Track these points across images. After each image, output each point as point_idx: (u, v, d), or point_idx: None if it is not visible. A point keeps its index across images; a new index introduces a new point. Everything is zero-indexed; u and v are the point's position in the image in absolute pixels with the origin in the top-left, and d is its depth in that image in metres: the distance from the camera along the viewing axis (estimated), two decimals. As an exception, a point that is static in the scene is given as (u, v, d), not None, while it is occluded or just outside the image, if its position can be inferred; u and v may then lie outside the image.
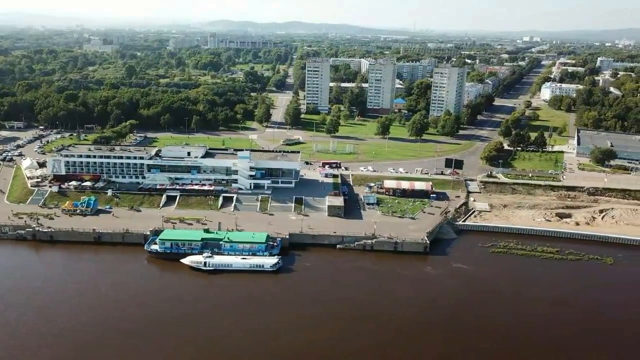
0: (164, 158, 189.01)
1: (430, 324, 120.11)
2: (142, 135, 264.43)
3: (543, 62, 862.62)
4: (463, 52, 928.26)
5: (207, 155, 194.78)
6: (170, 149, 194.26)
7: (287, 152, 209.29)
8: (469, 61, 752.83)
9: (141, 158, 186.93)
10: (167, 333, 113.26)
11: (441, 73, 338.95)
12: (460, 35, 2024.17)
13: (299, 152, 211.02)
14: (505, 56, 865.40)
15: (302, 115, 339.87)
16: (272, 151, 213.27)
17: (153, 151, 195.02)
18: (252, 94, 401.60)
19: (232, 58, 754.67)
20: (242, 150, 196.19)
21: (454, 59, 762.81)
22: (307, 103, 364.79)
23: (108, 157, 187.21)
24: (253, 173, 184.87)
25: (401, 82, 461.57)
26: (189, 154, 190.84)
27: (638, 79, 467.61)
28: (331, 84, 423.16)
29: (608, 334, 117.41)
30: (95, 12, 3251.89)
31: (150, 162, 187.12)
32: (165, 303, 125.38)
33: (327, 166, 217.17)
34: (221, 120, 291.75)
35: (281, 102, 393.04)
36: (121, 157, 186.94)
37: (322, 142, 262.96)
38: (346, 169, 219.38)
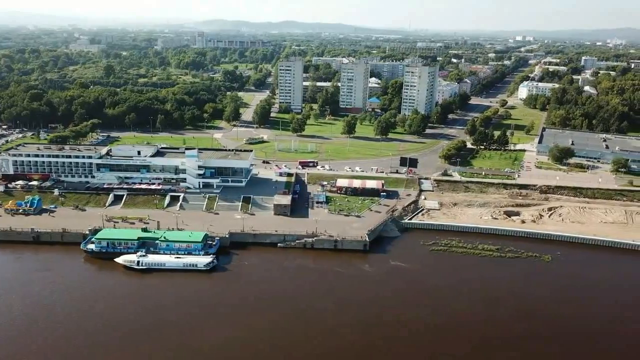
0: (113, 157, 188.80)
1: (353, 322, 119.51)
2: (106, 134, 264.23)
3: (530, 62, 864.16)
4: (450, 52, 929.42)
5: (158, 154, 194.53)
6: (120, 148, 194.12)
7: (240, 151, 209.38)
8: (455, 60, 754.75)
9: (90, 157, 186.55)
10: (92, 330, 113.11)
11: (412, 72, 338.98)
12: (453, 34, 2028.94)
13: (251, 151, 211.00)
14: (492, 55, 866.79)
15: (274, 114, 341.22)
16: (224, 150, 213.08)
17: (104, 150, 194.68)
18: (228, 93, 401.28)
19: (217, 57, 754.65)
20: (193, 149, 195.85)
21: (440, 59, 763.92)
22: (280, 102, 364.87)
23: (57, 156, 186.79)
24: (202, 172, 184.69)
25: (379, 81, 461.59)
26: (139, 153, 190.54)
27: (615, 78, 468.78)
28: (307, 83, 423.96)
29: (535, 332, 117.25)
30: (96, 12, 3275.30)
31: (99, 161, 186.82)
32: (93, 300, 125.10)
33: (301, 165, 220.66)
34: (188, 119, 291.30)
35: (258, 101, 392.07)
36: (69, 157, 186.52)
37: (285, 141, 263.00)
38: (303, 167, 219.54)
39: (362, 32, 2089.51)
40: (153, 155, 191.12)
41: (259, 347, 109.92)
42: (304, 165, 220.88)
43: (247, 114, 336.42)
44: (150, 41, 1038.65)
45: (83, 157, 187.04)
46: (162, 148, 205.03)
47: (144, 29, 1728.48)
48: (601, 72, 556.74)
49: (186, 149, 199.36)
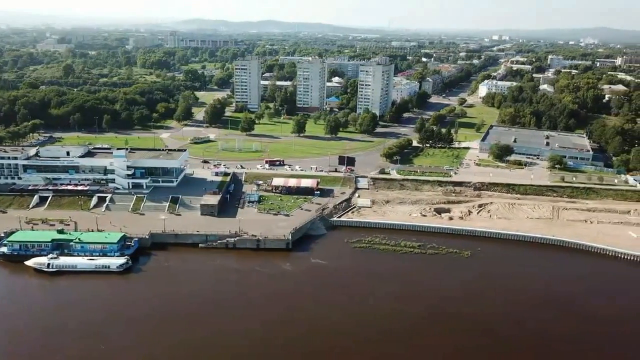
0: (40, 158, 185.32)
1: (268, 319, 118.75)
2: (48, 135, 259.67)
3: (501, 60, 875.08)
4: (422, 51, 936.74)
5: (88, 154, 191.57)
6: (48, 149, 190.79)
7: (174, 150, 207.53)
8: (425, 59, 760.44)
9: (15, 158, 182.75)
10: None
11: (366, 71, 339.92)
12: (427, 34, 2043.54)
13: (185, 150, 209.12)
14: (463, 54, 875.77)
15: (230, 114, 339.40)
16: (157, 150, 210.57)
17: (32, 151, 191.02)
18: (186, 92, 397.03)
19: (187, 57, 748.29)
20: (122, 149, 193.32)
21: (410, 57, 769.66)
22: (236, 101, 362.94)
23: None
24: (130, 172, 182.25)
25: (341, 80, 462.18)
26: (68, 153, 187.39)
27: (573, 76, 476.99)
28: (266, 82, 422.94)
29: (440, 329, 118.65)
30: (95, 12, 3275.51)
31: (25, 162, 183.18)
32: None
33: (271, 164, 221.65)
34: (136, 119, 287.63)
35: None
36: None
37: (230, 140, 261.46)
38: (242, 167, 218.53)
39: (341, 32, 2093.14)
40: (82, 156, 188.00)
41: (165, 349, 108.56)
42: (271, 164, 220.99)
43: (202, 114, 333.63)
44: (122, 40, 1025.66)
45: (8, 157, 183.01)
46: (94, 148, 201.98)
47: (119, 28, 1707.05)
48: (563, 70, 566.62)
49: (118, 149, 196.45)
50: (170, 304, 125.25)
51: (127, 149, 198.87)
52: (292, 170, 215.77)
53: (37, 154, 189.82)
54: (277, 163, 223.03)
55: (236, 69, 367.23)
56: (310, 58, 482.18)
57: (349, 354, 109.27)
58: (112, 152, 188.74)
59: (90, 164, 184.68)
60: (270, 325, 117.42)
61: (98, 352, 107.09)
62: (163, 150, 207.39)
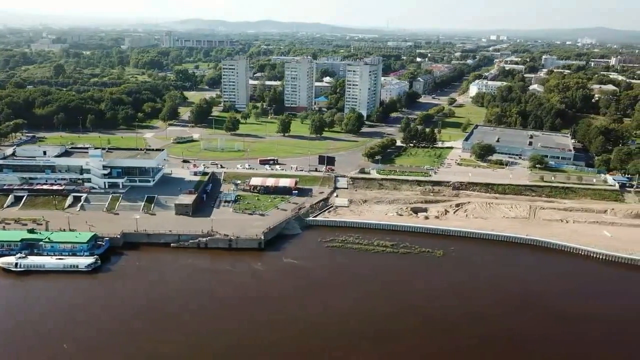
0: (15, 158, 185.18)
1: (241, 319, 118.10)
2: (31, 135, 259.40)
3: (496, 60, 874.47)
4: (417, 51, 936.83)
5: (65, 154, 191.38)
6: (25, 149, 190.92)
7: (152, 150, 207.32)
8: (419, 59, 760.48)
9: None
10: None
11: (353, 71, 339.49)
12: (430, 34, 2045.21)
13: (162, 149, 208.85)
14: (458, 54, 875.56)
15: (217, 113, 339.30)
16: (134, 149, 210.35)
17: (9, 151, 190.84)
18: (174, 92, 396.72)
19: (181, 57, 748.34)
20: (99, 148, 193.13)
21: (404, 57, 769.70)
22: (224, 101, 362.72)
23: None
24: (106, 172, 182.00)
25: (331, 80, 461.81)
26: (44, 153, 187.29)
27: (565, 76, 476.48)
28: (255, 82, 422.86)
29: (423, 327, 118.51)
30: (92, 12, 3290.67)
31: (1, 161, 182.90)
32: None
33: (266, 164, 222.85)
34: (121, 119, 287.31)
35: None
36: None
37: (213, 140, 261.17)
38: (222, 166, 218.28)
39: (339, 32, 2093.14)
40: (59, 156, 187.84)
41: (135, 350, 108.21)
42: (264, 163, 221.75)
43: (188, 113, 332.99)
44: (118, 40, 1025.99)
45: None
46: (72, 148, 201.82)
47: (117, 28, 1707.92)
48: (556, 70, 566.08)
49: (95, 148, 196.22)
50: (139, 303, 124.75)
51: (104, 148, 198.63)
52: (271, 169, 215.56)
53: (13, 154, 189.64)
54: (271, 162, 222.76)
55: (224, 68, 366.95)
56: (298, 58, 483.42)
57: (331, 353, 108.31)
58: (88, 152, 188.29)
59: (66, 164, 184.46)
60: (245, 325, 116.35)
61: (63, 353, 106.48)
62: (141, 149, 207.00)
